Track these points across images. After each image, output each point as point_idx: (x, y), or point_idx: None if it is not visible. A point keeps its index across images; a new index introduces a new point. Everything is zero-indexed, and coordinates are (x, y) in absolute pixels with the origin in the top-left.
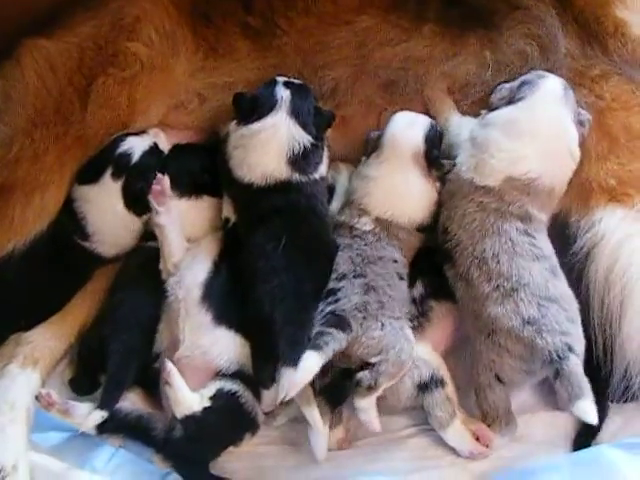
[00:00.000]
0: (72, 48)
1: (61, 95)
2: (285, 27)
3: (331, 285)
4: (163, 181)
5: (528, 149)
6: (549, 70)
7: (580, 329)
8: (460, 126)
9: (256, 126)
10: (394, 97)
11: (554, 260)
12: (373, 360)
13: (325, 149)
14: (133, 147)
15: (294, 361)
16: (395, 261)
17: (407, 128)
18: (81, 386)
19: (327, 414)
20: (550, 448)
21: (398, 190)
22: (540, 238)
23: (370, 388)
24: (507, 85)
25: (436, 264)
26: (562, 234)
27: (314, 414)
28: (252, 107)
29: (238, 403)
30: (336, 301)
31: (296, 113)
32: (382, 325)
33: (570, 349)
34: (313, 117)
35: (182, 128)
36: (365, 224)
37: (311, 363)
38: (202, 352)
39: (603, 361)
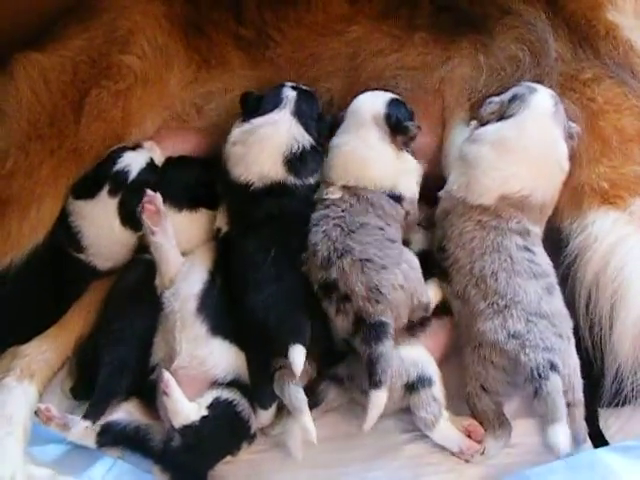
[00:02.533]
0: (65, 61)
1: (55, 108)
2: (277, 38)
3: (321, 276)
4: (156, 200)
5: (519, 167)
6: (540, 75)
7: (572, 346)
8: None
9: (258, 121)
10: None
11: (552, 278)
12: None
13: (323, 159)
14: (130, 164)
15: (301, 339)
16: (380, 228)
17: (369, 97)
18: (81, 392)
19: None
20: (546, 453)
21: (359, 154)
22: (539, 253)
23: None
24: (497, 99)
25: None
26: (554, 237)
27: (306, 420)
28: (257, 105)
29: (235, 411)
30: (347, 298)
31: (300, 113)
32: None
33: (552, 367)
34: (316, 122)
35: (180, 139)
36: (333, 193)
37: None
38: (198, 363)
39: (594, 364)
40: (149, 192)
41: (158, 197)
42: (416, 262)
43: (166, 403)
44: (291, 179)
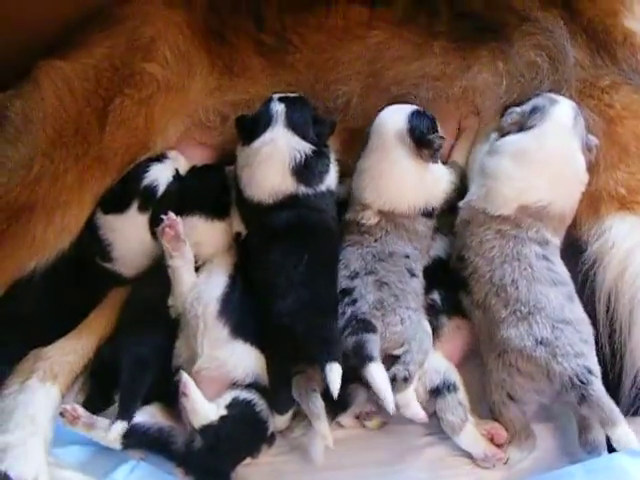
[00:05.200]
0: (88, 69)
1: (79, 116)
2: (297, 43)
3: (344, 284)
4: (176, 225)
5: (539, 178)
6: (559, 81)
7: (593, 352)
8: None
9: (257, 144)
10: None
11: (571, 286)
12: (397, 352)
13: (332, 160)
14: (158, 178)
15: (335, 356)
16: (407, 256)
17: (391, 113)
18: (95, 403)
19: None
20: (563, 456)
21: (390, 176)
22: (557, 262)
23: (406, 379)
24: (518, 109)
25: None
26: (572, 243)
27: (323, 426)
28: (252, 127)
29: (253, 411)
30: (353, 302)
31: (293, 124)
32: (401, 320)
33: (590, 372)
34: (313, 126)
35: (204, 146)
36: (369, 218)
37: (381, 373)
38: (219, 364)
39: (612, 370)
40: (171, 216)
41: (179, 222)
42: (427, 326)
43: (185, 404)
44: (302, 189)
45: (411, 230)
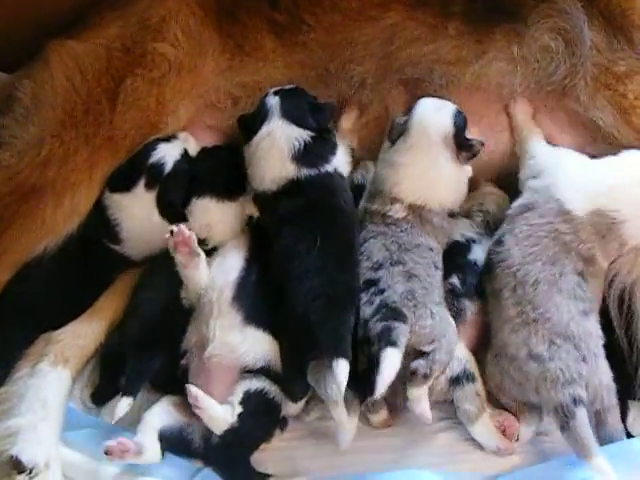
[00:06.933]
0: (99, 49)
1: (90, 96)
2: (311, 23)
3: (368, 275)
4: (190, 241)
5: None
6: (575, 65)
7: (599, 361)
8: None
9: (256, 139)
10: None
11: (593, 304)
12: (426, 349)
13: (338, 143)
14: (165, 156)
15: (344, 352)
16: (431, 249)
17: (435, 112)
18: (102, 395)
19: (356, 405)
20: None
21: (429, 175)
22: (592, 284)
23: (425, 377)
24: None
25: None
26: None
27: (340, 412)
28: (252, 124)
29: (267, 399)
30: (381, 292)
31: (288, 114)
32: (432, 313)
33: (576, 402)
34: (311, 112)
35: (214, 128)
36: (398, 211)
37: (395, 360)
38: (230, 350)
39: (628, 356)
40: (182, 230)
41: (192, 237)
42: (455, 331)
43: (201, 415)
44: (304, 171)
45: (437, 226)
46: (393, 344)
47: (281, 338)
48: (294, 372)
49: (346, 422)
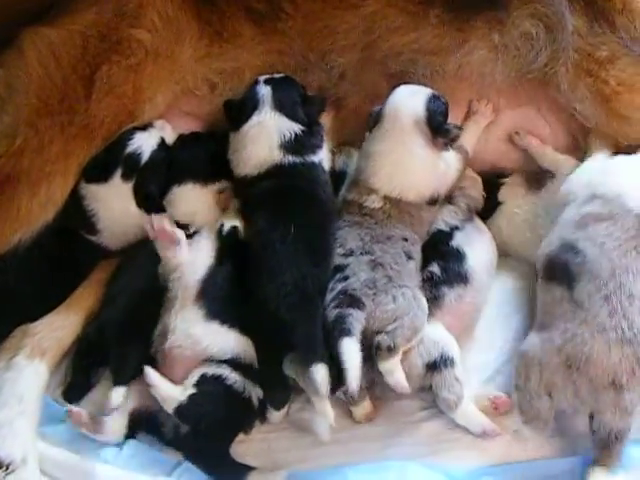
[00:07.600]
0: (75, 36)
1: (65, 84)
2: (290, 10)
3: (338, 261)
4: (170, 231)
5: None
6: (557, 50)
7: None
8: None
9: (245, 128)
10: None
11: None
12: (389, 328)
13: (324, 138)
14: (142, 146)
15: (320, 356)
16: (405, 239)
17: (408, 97)
18: (74, 392)
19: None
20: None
21: (402, 163)
22: None
23: (390, 349)
24: None
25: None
26: None
27: (325, 404)
28: (240, 111)
29: (225, 385)
30: (345, 279)
31: (280, 106)
32: (394, 297)
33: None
34: (302, 105)
35: (192, 114)
36: (374, 201)
37: (353, 349)
38: (192, 342)
39: None
40: (162, 222)
41: (173, 230)
42: (424, 304)
43: (154, 393)
44: (289, 158)
45: (415, 216)
46: (347, 333)
47: (253, 336)
48: (272, 378)
49: (330, 414)
